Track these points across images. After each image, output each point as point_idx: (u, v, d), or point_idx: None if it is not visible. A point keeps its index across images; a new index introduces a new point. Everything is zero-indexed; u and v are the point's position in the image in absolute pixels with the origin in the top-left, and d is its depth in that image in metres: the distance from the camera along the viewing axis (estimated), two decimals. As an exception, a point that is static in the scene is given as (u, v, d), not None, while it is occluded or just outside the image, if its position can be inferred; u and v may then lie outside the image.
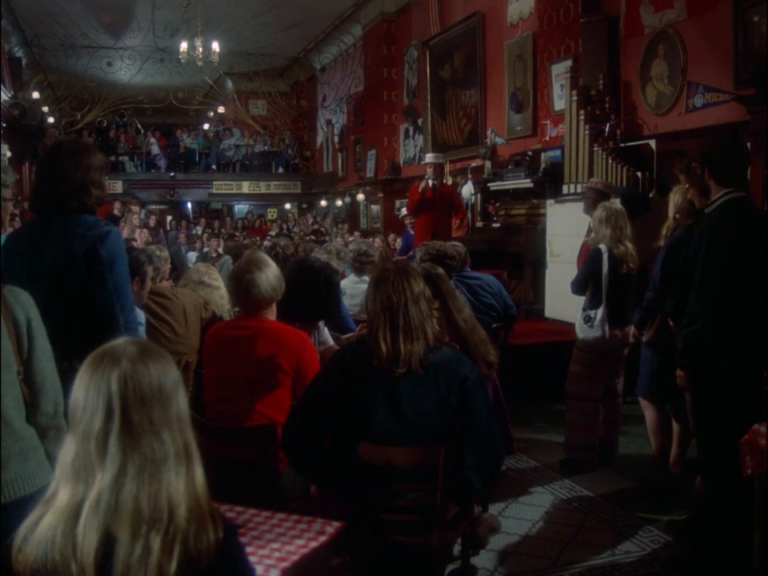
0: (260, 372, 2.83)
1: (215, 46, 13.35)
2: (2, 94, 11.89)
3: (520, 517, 3.98)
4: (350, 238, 12.54)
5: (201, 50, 13.16)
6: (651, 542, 3.68)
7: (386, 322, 2.44)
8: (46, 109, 17.80)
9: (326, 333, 3.44)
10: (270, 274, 2.92)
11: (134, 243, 9.19)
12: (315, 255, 4.37)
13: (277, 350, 2.84)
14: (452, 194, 8.45)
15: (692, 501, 3.94)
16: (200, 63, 13.50)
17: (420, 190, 7.90)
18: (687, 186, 3.88)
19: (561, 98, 8.26)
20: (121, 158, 18.35)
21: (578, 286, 4.74)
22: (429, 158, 8.33)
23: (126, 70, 16.35)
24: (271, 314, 2.96)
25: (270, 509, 2.14)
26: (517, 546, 3.66)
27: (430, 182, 7.87)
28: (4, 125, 11.06)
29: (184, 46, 13.40)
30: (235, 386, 2.87)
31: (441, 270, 3.88)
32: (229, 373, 2.90)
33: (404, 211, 10.25)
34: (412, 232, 9.90)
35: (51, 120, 17.68)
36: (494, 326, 4.85)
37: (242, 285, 2.93)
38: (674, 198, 4.25)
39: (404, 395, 2.44)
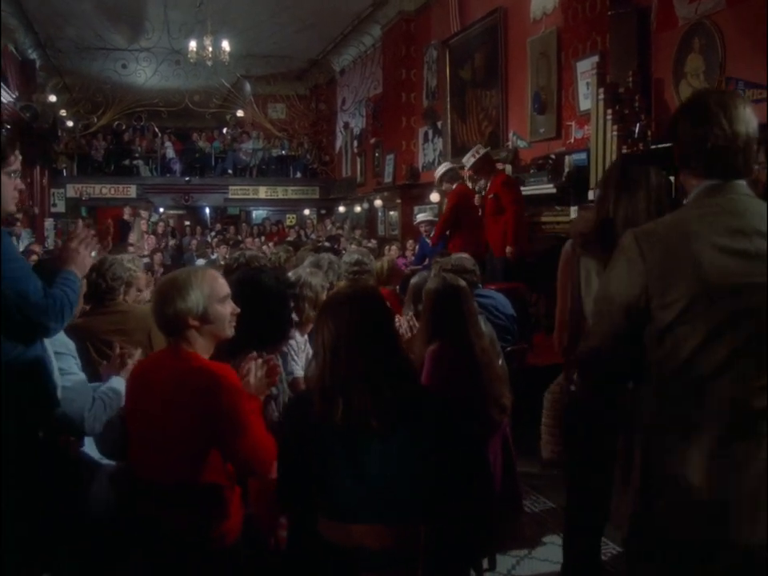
0: (174, 425, 2.22)
1: (225, 44, 12.94)
2: (4, 94, 11.56)
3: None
4: (368, 244, 12.06)
5: (210, 49, 12.76)
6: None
7: (329, 365, 1.92)
8: (64, 112, 17.53)
9: (293, 363, 2.90)
10: (167, 295, 2.28)
11: (131, 249, 8.79)
12: (300, 268, 3.83)
13: (185, 398, 2.20)
14: None
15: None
16: (209, 63, 13.11)
17: None
18: None
19: (587, 96, 7.71)
20: (135, 162, 18.04)
21: None
22: None
23: (141, 72, 16.01)
24: (187, 344, 2.29)
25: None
26: (528, 615, 3.12)
27: None
28: (8, 126, 10.72)
29: (192, 44, 13.02)
30: (152, 439, 2.26)
31: (464, 284, 3.31)
32: (145, 425, 2.31)
33: (419, 218, 9.73)
34: (428, 241, 9.39)
35: (70, 124, 17.40)
36: (509, 348, 4.32)
37: None
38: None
39: (370, 458, 1.91)
